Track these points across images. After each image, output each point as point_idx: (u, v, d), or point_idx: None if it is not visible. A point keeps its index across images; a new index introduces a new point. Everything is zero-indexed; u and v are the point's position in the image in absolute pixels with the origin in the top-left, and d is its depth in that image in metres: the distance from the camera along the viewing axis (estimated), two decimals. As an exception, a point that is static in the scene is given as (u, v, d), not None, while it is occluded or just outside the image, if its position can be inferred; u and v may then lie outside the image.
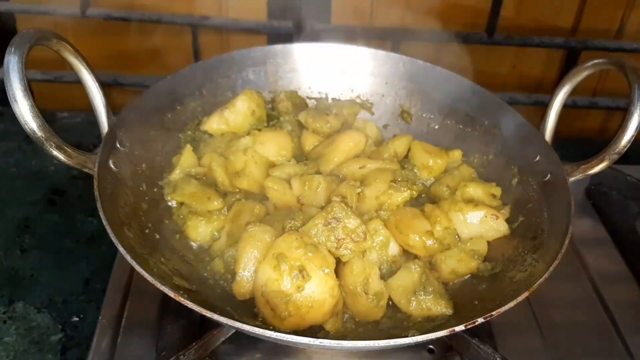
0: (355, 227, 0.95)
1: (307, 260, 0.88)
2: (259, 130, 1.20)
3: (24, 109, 0.83)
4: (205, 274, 1.00)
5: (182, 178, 1.11)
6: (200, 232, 1.05)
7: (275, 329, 0.85)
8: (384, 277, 1.00)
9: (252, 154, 1.13)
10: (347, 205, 0.97)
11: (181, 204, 1.09)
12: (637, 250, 1.25)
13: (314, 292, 0.87)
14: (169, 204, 1.10)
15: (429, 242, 1.02)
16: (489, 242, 1.06)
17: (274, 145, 1.16)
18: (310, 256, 0.88)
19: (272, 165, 1.16)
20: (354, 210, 0.99)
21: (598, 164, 1.03)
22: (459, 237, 1.06)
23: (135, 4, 1.56)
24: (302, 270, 0.87)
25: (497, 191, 1.12)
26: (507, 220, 1.08)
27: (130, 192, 1.02)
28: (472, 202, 1.08)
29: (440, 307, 0.95)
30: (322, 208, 1.00)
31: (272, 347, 0.99)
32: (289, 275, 0.87)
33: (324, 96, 1.35)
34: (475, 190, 1.11)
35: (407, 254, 1.05)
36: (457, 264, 1.02)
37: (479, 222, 1.06)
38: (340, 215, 0.94)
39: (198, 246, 1.06)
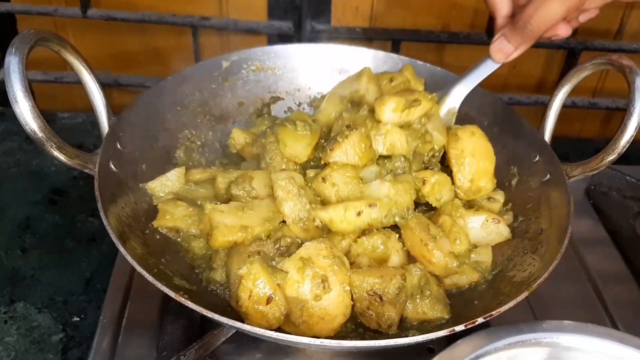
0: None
1: (331, 272, 0.86)
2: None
3: (24, 109, 0.83)
4: (204, 284, 0.98)
5: (167, 201, 1.02)
6: (202, 247, 1.02)
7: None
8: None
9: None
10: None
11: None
12: (636, 250, 1.25)
13: (330, 305, 0.86)
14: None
15: (454, 264, 0.95)
16: (487, 243, 1.06)
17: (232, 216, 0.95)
18: (336, 269, 0.87)
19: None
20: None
21: (597, 164, 1.03)
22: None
23: (136, 4, 1.57)
24: (324, 280, 0.86)
25: (498, 194, 1.12)
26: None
27: (130, 192, 1.02)
28: (473, 207, 1.08)
29: (436, 312, 0.93)
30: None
31: (272, 347, 0.99)
32: (311, 281, 0.86)
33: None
34: (475, 191, 1.11)
35: (407, 259, 1.02)
36: (458, 277, 1.00)
37: (480, 226, 1.05)
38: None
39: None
